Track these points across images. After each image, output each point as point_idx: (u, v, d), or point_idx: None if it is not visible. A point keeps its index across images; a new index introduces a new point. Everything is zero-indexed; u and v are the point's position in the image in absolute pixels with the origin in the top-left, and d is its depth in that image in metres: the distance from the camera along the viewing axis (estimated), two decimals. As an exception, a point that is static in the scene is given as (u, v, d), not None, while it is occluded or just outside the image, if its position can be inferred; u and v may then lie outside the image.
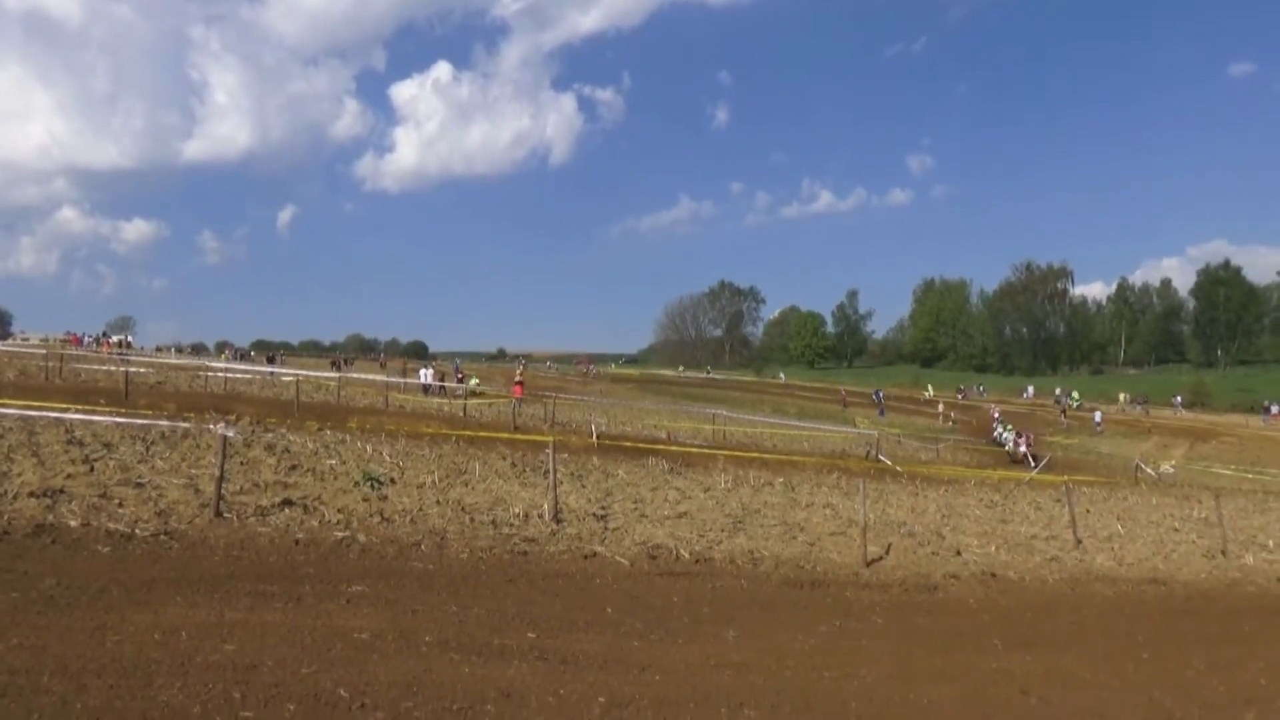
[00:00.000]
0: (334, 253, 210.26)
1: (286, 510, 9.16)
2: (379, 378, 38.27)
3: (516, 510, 10.40)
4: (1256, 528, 16.16)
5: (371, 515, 9.40)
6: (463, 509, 10.18)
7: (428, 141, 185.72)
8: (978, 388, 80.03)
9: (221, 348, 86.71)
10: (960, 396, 69.06)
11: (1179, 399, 67.97)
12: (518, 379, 37.09)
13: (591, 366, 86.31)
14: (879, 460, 23.80)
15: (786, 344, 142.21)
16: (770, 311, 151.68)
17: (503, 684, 5.38)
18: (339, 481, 10.90)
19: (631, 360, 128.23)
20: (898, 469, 21.63)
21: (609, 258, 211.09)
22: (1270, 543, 14.66)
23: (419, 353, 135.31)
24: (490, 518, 9.96)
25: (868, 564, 10.27)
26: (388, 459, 13.01)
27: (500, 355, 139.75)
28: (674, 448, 19.16)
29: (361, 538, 8.59)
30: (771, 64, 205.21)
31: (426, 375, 39.01)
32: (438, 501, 10.45)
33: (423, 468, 12.62)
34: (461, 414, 25.39)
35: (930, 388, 75.45)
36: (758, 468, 17.41)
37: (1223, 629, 9.51)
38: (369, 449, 13.64)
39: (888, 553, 10.95)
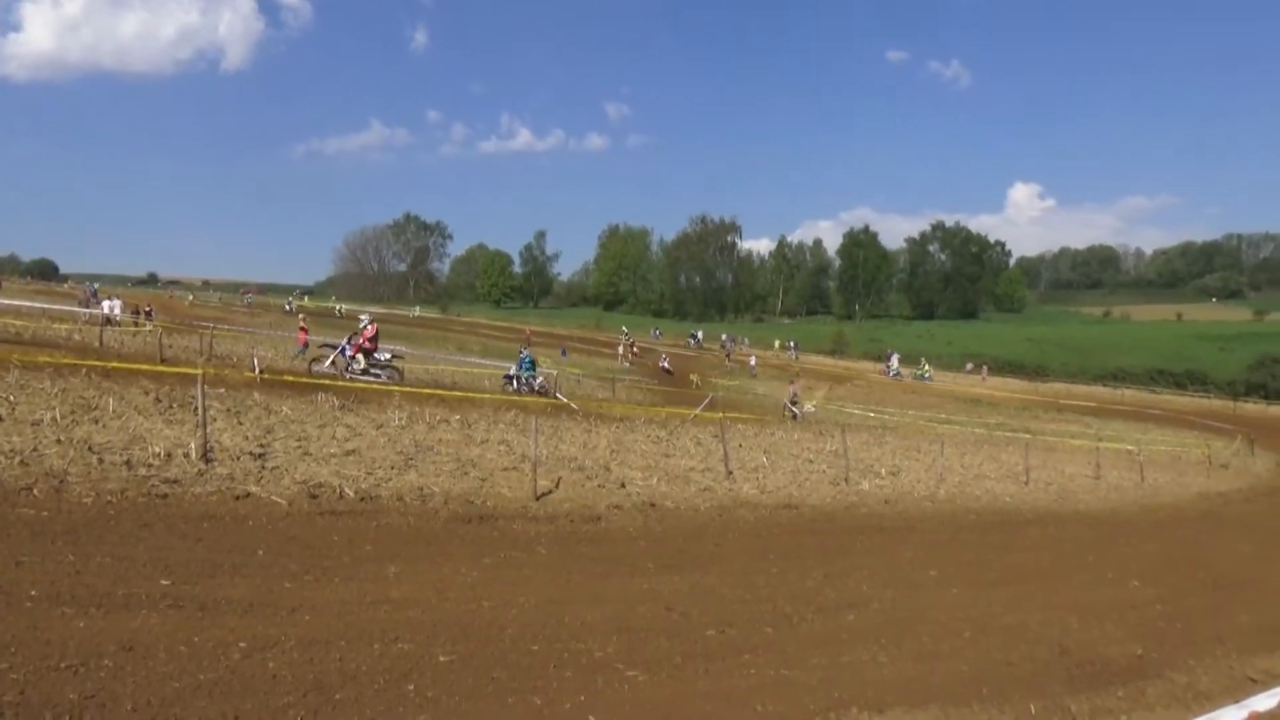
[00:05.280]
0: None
1: None
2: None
3: (157, 449, 9.37)
4: (874, 458, 18.77)
5: (-33, 457, 8.02)
6: (90, 449, 8.98)
7: (68, 25, 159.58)
8: (654, 331, 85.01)
9: None
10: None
11: (793, 343, 77.30)
12: (301, 326, 31.93)
13: (249, 296, 79.30)
14: (556, 398, 24.47)
15: (473, 282, 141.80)
16: (458, 248, 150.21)
17: (125, 636, 4.87)
18: (-76, 419, 9.16)
19: (308, 292, 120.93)
20: (573, 406, 22.37)
21: (288, 180, 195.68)
22: (883, 471, 17.13)
23: (45, 273, 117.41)
24: (124, 458, 8.88)
25: (537, 498, 10.56)
26: (-6, 393, 11.14)
27: (151, 280, 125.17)
28: (345, 384, 18.31)
29: (-48, 483, 7.31)
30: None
31: (112, 306, 32.55)
32: (58, 440, 9.13)
33: (41, 403, 10.93)
34: (97, 344, 22.36)
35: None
36: (435, 404, 17.14)
37: (839, 545, 11.01)
38: (-32, 381, 11.58)
39: (557, 486, 11.33)
